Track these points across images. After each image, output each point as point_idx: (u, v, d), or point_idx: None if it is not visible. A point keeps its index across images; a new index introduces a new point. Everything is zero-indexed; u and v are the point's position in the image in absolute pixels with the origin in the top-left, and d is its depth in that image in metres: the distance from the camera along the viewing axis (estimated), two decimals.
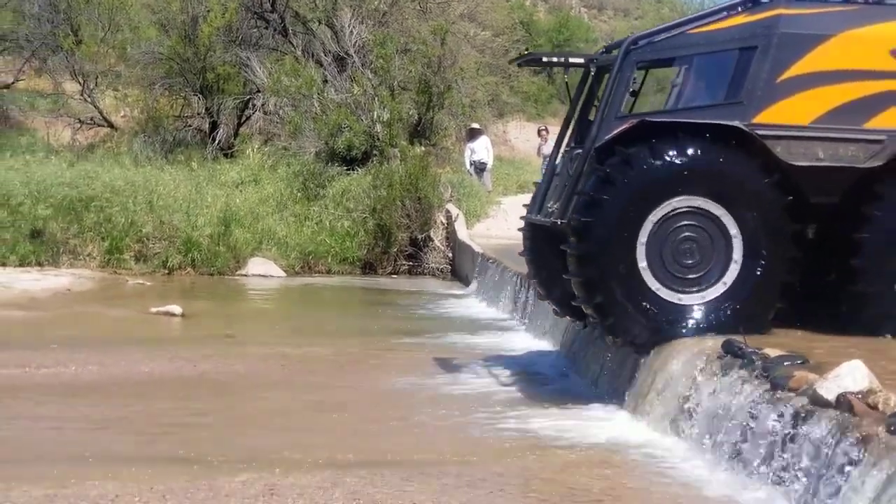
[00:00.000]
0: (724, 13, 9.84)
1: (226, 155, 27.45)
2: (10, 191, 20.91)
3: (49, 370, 11.42)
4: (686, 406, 8.28)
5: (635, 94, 10.40)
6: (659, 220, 9.10)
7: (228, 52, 27.89)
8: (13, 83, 31.23)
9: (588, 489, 7.27)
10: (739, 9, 9.81)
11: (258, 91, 28.07)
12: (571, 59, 10.86)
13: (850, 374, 6.71)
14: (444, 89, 26.10)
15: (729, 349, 8.26)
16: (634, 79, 9.91)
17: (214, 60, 27.76)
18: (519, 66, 15.19)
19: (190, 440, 8.65)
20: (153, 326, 15.05)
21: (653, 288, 9.12)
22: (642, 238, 9.09)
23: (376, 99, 24.74)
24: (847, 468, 6.05)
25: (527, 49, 10.66)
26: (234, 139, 28.85)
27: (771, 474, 6.86)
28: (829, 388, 6.69)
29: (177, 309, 15.93)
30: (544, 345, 13.01)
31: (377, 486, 7.24)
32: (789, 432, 6.78)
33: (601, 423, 9.06)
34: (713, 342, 8.62)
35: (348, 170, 24.33)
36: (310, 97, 25.67)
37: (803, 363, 7.65)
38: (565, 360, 11.80)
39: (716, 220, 9.13)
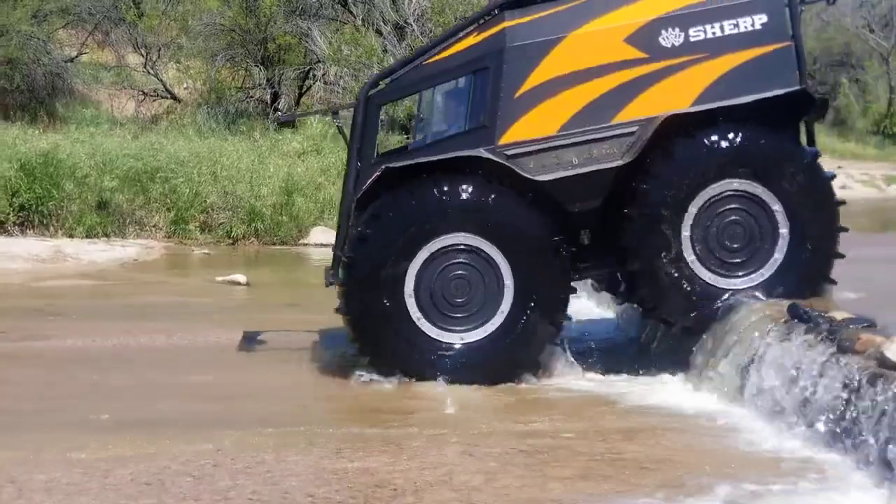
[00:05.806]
0: (459, 35, 9.62)
1: (287, 125, 27.60)
2: (76, 163, 21.17)
3: (116, 340, 11.55)
4: (751, 369, 8.24)
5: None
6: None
7: (289, 22, 28.01)
8: (77, 56, 31.53)
9: (655, 451, 7.25)
10: (470, 28, 9.58)
11: (319, 61, 28.19)
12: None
13: None
14: None
15: (794, 313, 8.19)
16: (381, 120, 9.71)
17: (275, 31, 27.90)
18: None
19: (263, 406, 8.73)
20: (219, 295, 15.21)
21: (414, 318, 9.17)
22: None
23: None
24: None
25: None
26: (296, 109, 28.97)
27: (839, 437, 6.82)
28: None
29: (241, 278, 16.10)
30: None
31: (441, 450, 7.26)
32: (856, 395, 6.73)
33: (666, 387, 9.04)
34: (779, 307, 8.56)
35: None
36: (370, 66, 25.72)
37: (870, 326, 7.57)
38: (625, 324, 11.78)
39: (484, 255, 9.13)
